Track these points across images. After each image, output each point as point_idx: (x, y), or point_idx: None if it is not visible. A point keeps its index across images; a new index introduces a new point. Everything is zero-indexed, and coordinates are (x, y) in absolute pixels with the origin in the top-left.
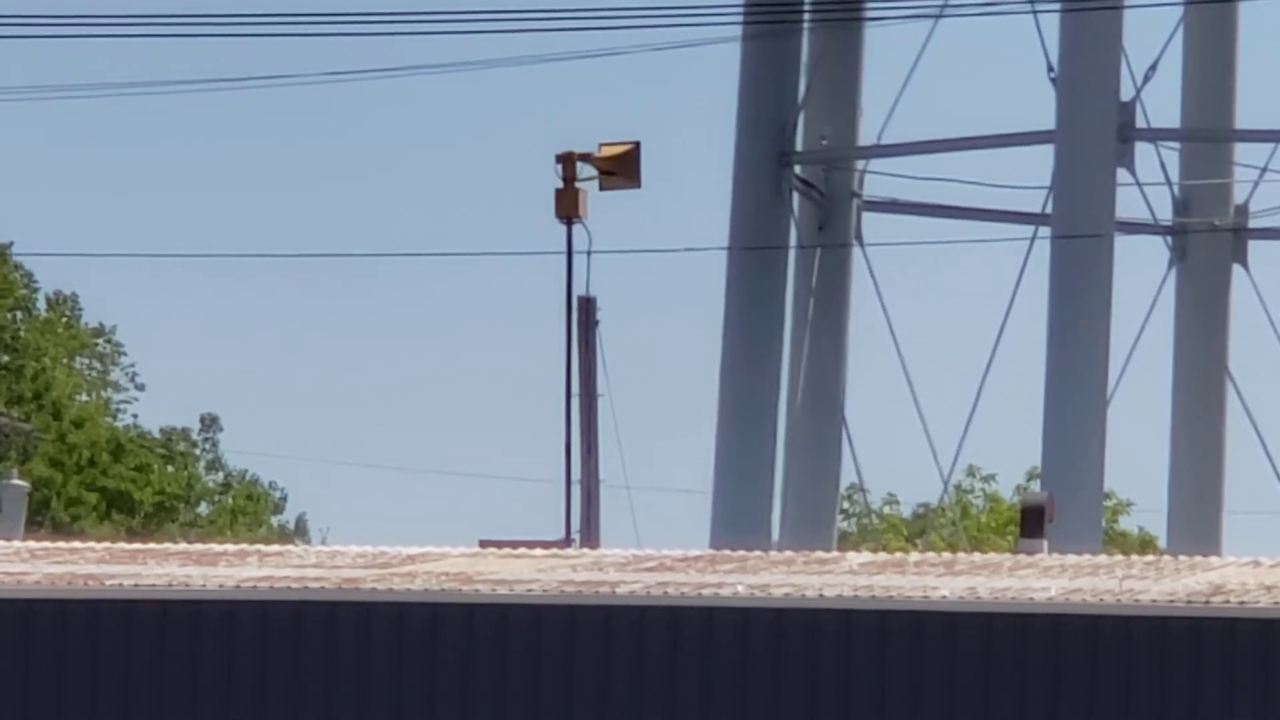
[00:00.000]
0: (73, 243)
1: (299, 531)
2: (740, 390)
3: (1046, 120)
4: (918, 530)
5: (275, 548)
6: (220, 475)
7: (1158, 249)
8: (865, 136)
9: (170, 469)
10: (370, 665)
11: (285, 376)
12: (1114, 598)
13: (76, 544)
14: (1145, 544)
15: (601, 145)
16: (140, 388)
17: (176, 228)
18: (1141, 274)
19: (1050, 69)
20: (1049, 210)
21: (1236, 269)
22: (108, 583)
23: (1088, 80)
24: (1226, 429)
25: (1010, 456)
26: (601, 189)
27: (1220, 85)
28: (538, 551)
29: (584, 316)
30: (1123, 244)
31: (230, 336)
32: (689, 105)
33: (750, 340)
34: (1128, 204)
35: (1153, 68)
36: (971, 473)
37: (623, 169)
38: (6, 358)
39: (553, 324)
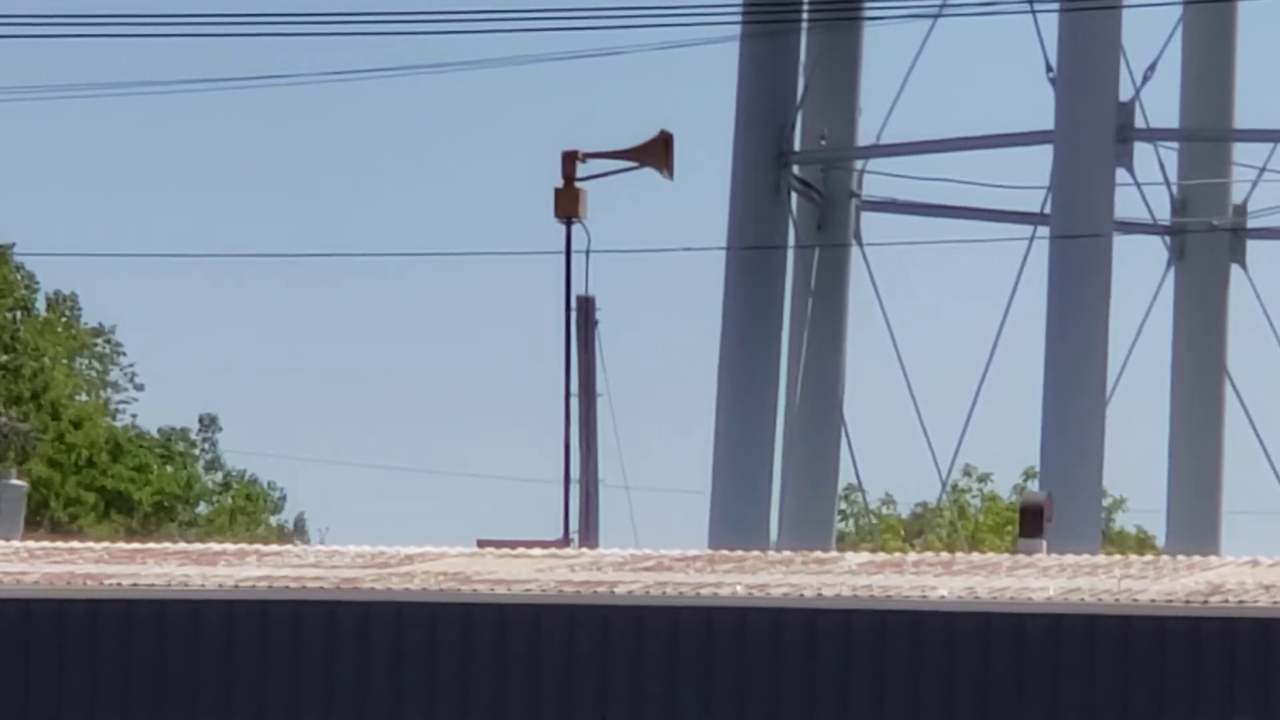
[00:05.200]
0: (73, 243)
1: (298, 531)
2: (739, 390)
3: (1045, 120)
4: (915, 530)
5: (274, 547)
6: (219, 475)
7: (1156, 249)
8: (864, 136)
9: (169, 469)
10: (369, 665)
11: (284, 376)
12: (1112, 597)
13: (75, 544)
14: (1144, 544)
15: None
16: (139, 388)
17: (176, 228)
18: (1140, 274)
19: (1049, 69)
20: (1048, 210)
21: (1235, 269)
22: (107, 582)
23: (1086, 80)
24: (1225, 429)
25: (1008, 456)
26: (671, 179)
27: (1219, 85)
28: (536, 551)
29: (583, 316)
30: (1121, 244)
31: (229, 336)
32: (687, 105)
33: (749, 340)
34: (1126, 204)
35: (1151, 68)
36: (968, 472)
37: (655, 159)
38: (5, 357)
39: (552, 324)
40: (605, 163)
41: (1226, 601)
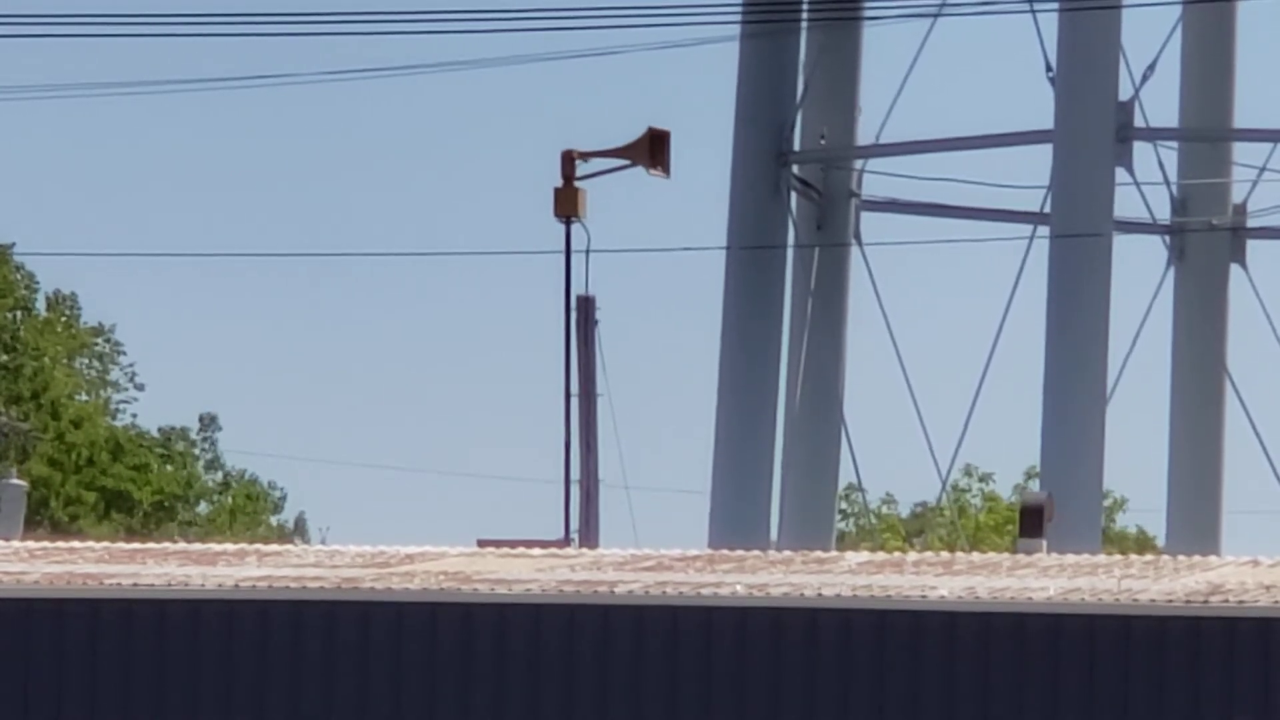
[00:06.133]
0: (73, 243)
1: (298, 531)
2: (739, 390)
3: (1045, 120)
4: (916, 530)
5: (274, 547)
6: (219, 475)
7: (1156, 248)
8: (864, 136)
9: (169, 468)
10: (369, 665)
11: (284, 376)
12: (1113, 597)
13: (75, 543)
14: (1144, 544)
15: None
16: (139, 387)
17: (176, 228)
18: (1140, 273)
19: (1049, 68)
20: (1047, 210)
21: (1235, 268)
22: (106, 582)
23: (1086, 80)
24: (1225, 428)
25: (1008, 456)
26: (666, 177)
27: (1218, 85)
28: (536, 551)
29: (583, 316)
30: (1121, 243)
31: (229, 336)
32: (687, 104)
33: (749, 340)
34: (1126, 203)
35: (1151, 67)
36: (969, 472)
37: (645, 157)
38: (5, 357)
39: (552, 323)
40: (604, 162)
41: (1226, 601)
